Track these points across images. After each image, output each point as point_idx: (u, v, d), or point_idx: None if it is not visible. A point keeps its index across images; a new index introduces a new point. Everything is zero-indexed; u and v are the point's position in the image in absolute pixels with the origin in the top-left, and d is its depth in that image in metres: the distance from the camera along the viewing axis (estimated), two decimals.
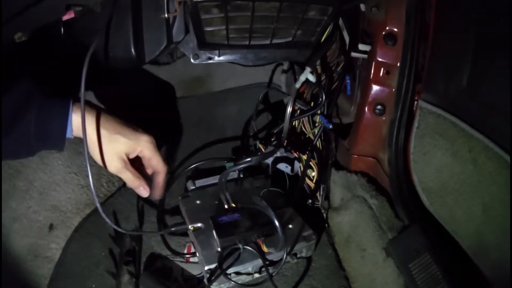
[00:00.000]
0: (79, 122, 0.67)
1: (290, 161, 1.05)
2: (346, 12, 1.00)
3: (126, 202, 1.12)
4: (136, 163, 0.79)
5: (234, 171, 1.07)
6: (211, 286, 0.82)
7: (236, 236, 0.83)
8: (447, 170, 0.76)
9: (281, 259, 0.85)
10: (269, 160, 1.04)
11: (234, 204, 0.92)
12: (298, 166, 1.06)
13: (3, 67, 0.71)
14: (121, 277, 0.90)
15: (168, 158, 1.24)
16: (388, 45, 0.92)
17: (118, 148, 0.72)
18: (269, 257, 0.86)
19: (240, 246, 0.83)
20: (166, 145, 1.28)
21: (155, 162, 0.79)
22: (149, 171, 0.83)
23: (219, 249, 0.84)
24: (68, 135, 0.69)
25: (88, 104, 0.70)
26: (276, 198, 1.01)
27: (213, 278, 0.81)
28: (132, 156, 0.77)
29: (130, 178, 0.76)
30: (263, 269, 0.86)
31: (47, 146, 0.70)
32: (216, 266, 0.82)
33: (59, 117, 0.67)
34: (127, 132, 0.73)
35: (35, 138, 0.66)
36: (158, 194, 0.84)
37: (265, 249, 0.85)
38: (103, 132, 0.71)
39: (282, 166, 1.05)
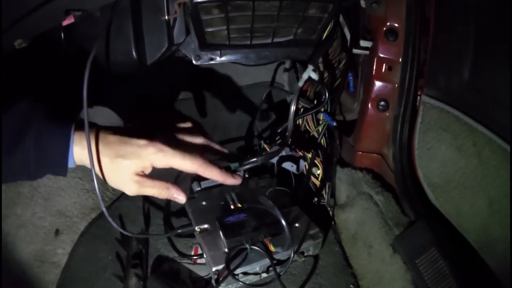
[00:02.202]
0: (81, 154, 0.64)
1: (295, 160, 1.05)
2: (347, 9, 1.00)
3: (132, 205, 1.12)
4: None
5: (240, 171, 1.07)
6: (219, 287, 0.82)
7: (243, 236, 0.83)
8: (452, 164, 0.76)
9: (289, 258, 0.84)
10: (274, 160, 1.04)
11: (240, 204, 0.92)
12: (303, 164, 1.05)
13: (3, 75, 0.70)
14: (128, 281, 0.90)
15: None
16: (389, 41, 0.92)
17: (124, 171, 0.66)
18: (277, 257, 0.86)
19: (247, 246, 0.83)
20: None
21: (178, 166, 0.69)
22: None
23: (226, 250, 0.84)
24: (70, 165, 0.66)
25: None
26: (282, 197, 1.01)
27: (221, 279, 0.81)
28: (148, 171, 0.69)
29: (156, 193, 0.70)
30: (271, 268, 0.85)
31: (48, 173, 0.66)
32: (223, 267, 0.82)
33: (59, 146, 0.64)
34: (127, 152, 0.66)
35: (35, 165, 0.63)
36: (231, 181, 0.80)
37: (272, 248, 0.85)
38: (105, 159, 0.66)
39: (288, 165, 1.05)
